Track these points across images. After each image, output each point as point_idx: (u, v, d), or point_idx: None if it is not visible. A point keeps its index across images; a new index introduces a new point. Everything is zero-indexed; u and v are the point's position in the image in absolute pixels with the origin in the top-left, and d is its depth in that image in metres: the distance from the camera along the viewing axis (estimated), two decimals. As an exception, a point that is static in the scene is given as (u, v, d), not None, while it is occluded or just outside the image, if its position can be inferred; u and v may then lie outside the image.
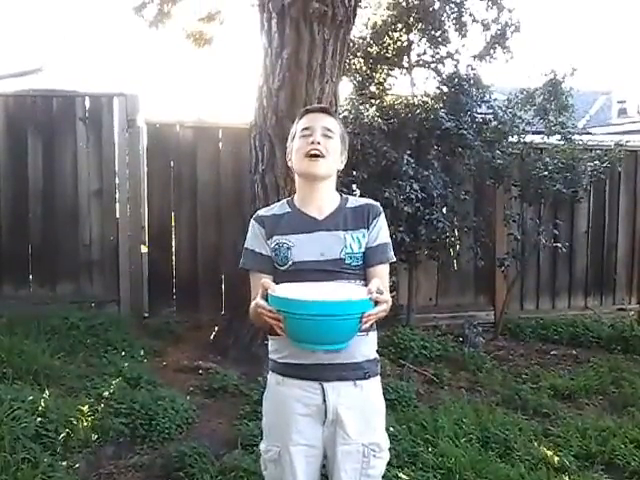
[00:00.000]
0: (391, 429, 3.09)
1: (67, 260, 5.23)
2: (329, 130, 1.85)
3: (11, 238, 5.21)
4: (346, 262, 1.81)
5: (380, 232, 1.88)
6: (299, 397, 1.79)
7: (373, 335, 1.87)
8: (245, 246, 1.90)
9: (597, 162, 5.75)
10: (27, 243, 5.23)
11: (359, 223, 1.86)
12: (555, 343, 5.63)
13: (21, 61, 12.56)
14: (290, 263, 1.79)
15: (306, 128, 1.85)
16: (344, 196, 1.93)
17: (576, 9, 54.30)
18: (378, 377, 1.89)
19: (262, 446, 1.89)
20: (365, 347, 1.83)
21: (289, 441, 1.78)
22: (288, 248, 1.80)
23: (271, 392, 1.87)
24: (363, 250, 1.84)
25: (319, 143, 1.81)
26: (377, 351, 1.91)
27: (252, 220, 1.91)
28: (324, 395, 1.78)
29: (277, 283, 1.72)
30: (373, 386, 1.86)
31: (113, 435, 3.25)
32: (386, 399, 1.96)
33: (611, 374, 4.72)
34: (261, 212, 1.93)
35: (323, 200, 1.87)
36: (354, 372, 1.80)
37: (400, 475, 2.89)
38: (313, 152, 1.81)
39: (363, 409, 1.82)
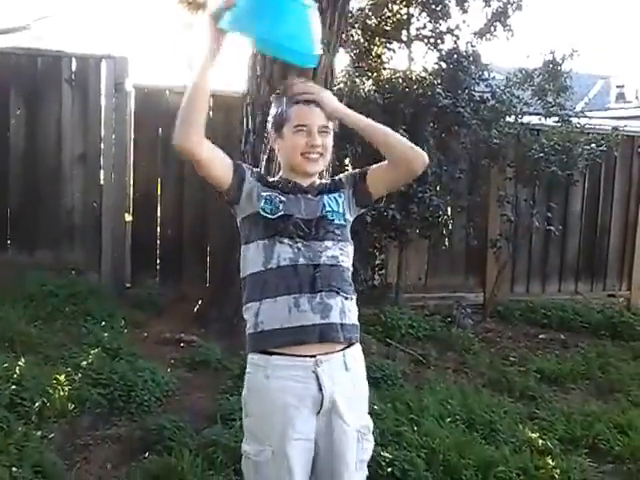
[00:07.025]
0: (375, 407, 3.04)
1: (48, 225, 5.05)
2: (326, 127, 1.85)
3: (-10, 201, 5.03)
4: (328, 218, 1.82)
5: (345, 173, 1.97)
6: (292, 390, 1.70)
7: (353, 300, 1.82)
8: None
9: (593, 145, 5.68)
10: (6, 206, 5.05)
11: (335, 188, 1.91)
12: (544, 327, 5.61)
13: (6, 18, 12.16)
14: (281, 214, 1.79)
15: (302, 125, 1.82)
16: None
17: (577, -6, 53.84)
18: (360, 348, 1.83)
19: (247, 448, 1.75)
20: (345, 309, 1.77)
21: (285, 438, 1.68)
22: (280, 201, 1.81)
23: (256, 390, 1.75)
24: (342, 210, 1.85)
25: (319, 146, 1.82)
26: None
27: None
28: (319, 383, 1.70)
29: (263, 233, 1.76)
30: (359, 367, 1.83)
31: (90, 406, 3.16)
32: (371, 377, 1.94)
33: (598, 359, 4.75)
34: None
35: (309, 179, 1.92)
36: (337, 334, 1.73)
37: (383, 454, 2.84)
38: (314, 156, 1.82)
39: (354, 393, 1.79)
